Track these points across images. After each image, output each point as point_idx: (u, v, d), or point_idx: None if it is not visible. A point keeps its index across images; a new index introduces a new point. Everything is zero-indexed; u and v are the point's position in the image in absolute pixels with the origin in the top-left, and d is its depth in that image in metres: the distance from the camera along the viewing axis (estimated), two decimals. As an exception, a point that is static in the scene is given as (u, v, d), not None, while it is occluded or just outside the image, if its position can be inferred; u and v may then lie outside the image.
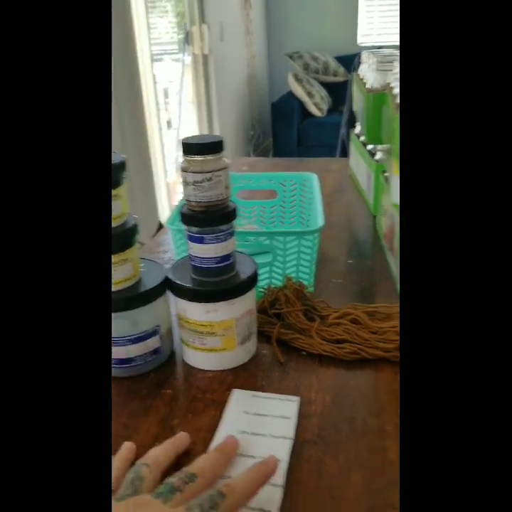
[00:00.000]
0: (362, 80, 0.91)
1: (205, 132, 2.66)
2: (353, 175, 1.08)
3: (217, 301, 0.48)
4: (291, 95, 3.15)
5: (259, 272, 0.62)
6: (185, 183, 0.47)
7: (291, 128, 3.03)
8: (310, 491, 0.36)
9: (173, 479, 0.33)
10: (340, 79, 3.28)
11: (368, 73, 0.86)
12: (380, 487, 0.36)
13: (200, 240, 0.48)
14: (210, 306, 0.48)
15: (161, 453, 0.37)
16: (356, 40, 3.58)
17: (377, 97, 0.74)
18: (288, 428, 0.42)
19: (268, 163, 1.30)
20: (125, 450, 0.39)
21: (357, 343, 0.50)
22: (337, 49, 3.50)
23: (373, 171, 0.84)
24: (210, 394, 0.48)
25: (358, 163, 1.01)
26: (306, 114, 3.15)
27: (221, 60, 2.74)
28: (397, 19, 3.41)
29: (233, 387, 0.48)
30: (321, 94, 3.16)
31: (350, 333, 0.51)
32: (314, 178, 0.76)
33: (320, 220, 0.59)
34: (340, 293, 0.63)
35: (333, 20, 3.57)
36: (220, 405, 0.46)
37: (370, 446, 0.40)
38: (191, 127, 2.61)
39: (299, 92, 3.08)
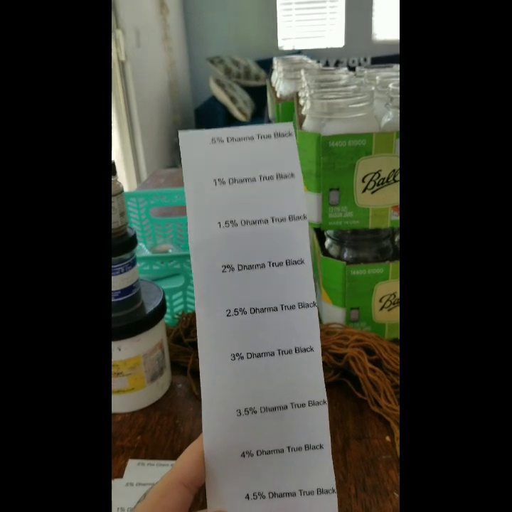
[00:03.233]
0: (273, 88, 0.90)
1: (127, 143, 2.58)
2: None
3: (121, 338, 0.44)
4: (214, 100, 3.12)
5: (173, 296, 0.58)
6: (75, 213, 0.42)
7: (216, 133, 3.00)
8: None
9: None
10: (262, 83, 3.29)
11: (279, 81, 0.85)
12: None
13: (97, 273, 0.44)
14: (112, 344, 0.44)
15: None
16: (277, 43, 3.61)
17: (286, 106, 0.73)
18: None
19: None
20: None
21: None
22: (258, 53, 3.52)
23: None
24: (119, 440, 0.44)
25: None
26: (230, 118, 3.13)
27: (139, 66, 2.67)
28: (314, 22, 3.48)
29: (145, 430, 0.44)
30: (244, 99, 3.15)
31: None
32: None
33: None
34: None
35: (253, 24, 3.58)
36: (131, 452, 0.43)
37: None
38: (112, 137, 2.52)
39: (222, 97, 3.06)
